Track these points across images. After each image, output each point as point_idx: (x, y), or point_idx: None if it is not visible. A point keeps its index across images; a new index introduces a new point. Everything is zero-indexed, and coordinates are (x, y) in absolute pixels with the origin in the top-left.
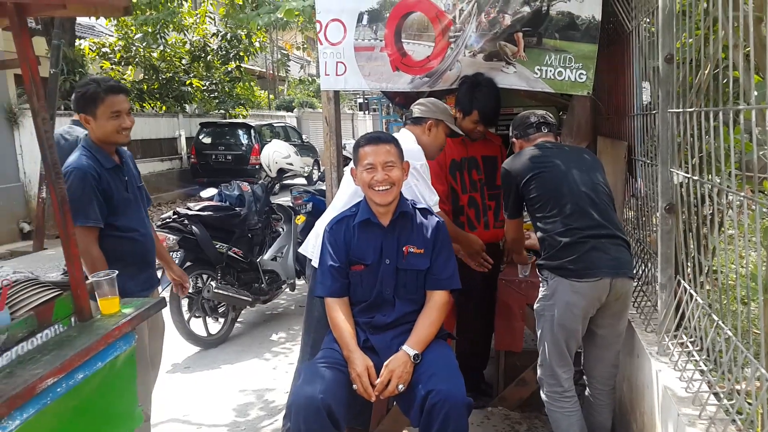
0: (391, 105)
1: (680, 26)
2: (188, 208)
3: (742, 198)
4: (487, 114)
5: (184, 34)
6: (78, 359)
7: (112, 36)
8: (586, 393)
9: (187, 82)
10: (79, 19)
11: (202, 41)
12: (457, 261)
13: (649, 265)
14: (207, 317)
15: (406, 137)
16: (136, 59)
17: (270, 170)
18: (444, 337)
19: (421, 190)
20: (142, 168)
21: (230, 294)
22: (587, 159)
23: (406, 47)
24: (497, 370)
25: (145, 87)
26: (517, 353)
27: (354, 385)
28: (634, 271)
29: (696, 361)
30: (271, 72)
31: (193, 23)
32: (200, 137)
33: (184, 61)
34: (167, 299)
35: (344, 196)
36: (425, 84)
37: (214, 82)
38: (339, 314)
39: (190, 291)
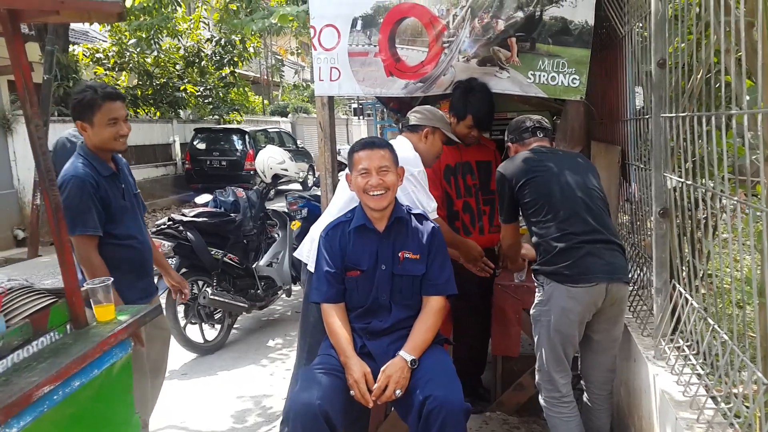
0: (385, 110)
1: (672, 31)
2: (183, 215)
3: (735, 202)
4: (481, 119)
5: (178, 40)
6: (74, 367)
7: (105, 42)
8: (584, 398)
9: (182, 88)
10: (73, 25)
11: (196, 47)
12: (453, 266)
13: (645, 269)
14: (203, 324)
15: (403, 144)
16: (130, 65)
17: (265, 176)
18: (441, 343)
19: (419, 196)
20: (137, 174)
21: (226, 300)
22: (582, 164)
23: (400, 52)
24: (495, 374)
25: (139, 93)
26: (514, 358)
27: (351, 392)
28: (630, 276)
29: (693, 364)
30: (266, 77)
31: (187, 29)
32: (195, 143)
33: (178, 67)
34: (163, 306)
35: (340, 201)
36: (419, 89)
37: (209, 87)
38: (335, 320)
39: None
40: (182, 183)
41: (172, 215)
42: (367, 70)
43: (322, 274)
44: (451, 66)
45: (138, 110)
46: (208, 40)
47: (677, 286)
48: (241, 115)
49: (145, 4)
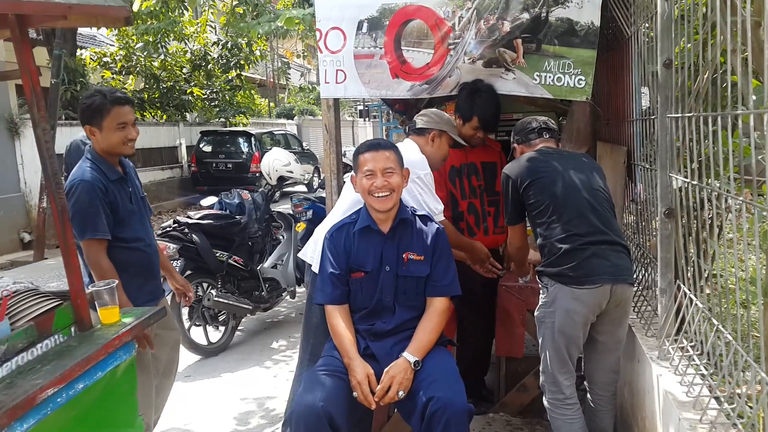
0: (391, 112)
1: (679, 31)
2: (188, 217)
3: (741, 202)
4: (487, 120)
5: (185, 43)
6: (78, 369)
7: (113, 45)
8: (587, 398)
9: (188, 91)
10: (80, 29)
11: (203, 50)
12: (457, 267)
13: (649, 269)
14: (207, 326)
15: (409, 147)
16: (137, 68)
17: (270, 178)
18: (444, 344)
19: (426, 198)
20: (143, 177)
21: (231, 302)
22: (587, 164)
23: (406, 54)
24: (498, 376)
25: (146, 96)
26: (518, 359)
27: (354, 393)
28: (634, 276)
29: (697, 365)
30: (272, 80)
31: (193, 32)
32: (201, 146)
33: (184, 70)
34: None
35: (345, 204)
36: (425, 91)
37: (215, 90)
38: (339, 321)
39: None
40: (188, 185)
41: (178, 218)
42: (373, 72)
43: (327, 275)
44: (456, 68)
45: (145, 113)
46: (214, 43)
47: (682, 286)
48: (247, 118)
49: (152, 8)
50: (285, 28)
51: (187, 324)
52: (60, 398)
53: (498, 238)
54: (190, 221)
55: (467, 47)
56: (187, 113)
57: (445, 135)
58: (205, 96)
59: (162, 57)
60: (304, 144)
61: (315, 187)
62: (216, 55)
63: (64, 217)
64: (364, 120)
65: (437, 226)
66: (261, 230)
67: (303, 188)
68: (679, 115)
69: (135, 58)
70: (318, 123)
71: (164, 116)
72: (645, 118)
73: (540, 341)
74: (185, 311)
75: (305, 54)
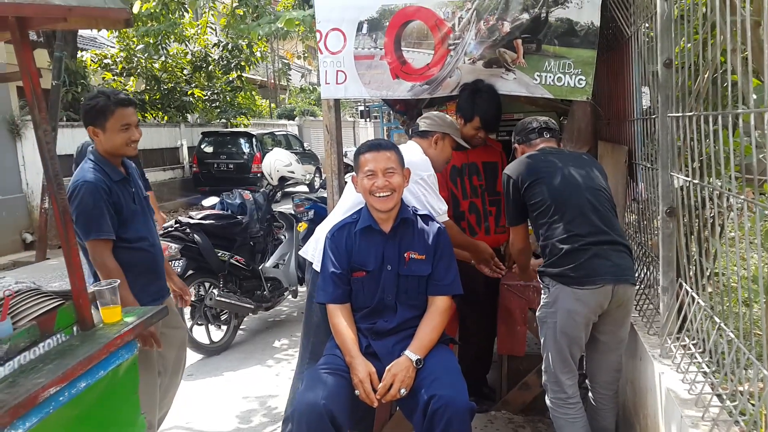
0: (391, 112)
1: (679, 31)
2: (190, 217)
3: (742, 201)
4: (488, 120)
5: (186, 45)
6: (80, 368)
7: (113, 47)
8: (589, 397)
9: (189, 92)
10: (81, 31)
11: (204, 51)
12: (459, 267)
13: (651, 268)
14: (209, 325)
15: (412, 149)
16: (138, 70)
17: (271, 178)
18: (446, 342)
19: (429, 200)
20: None
21: (232, 302)
22: (588, 164)
23: (406, 55)
24: (500, 374)
25: (147, 97)
26: (519, 357)
27: (356, 391)
28: (636, 275)
29: (699, 363)
30: (273, 81)
31: (194, 34)
32: (202, 146)
33: (185, 72)
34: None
35: (346, 204)
36: (425, 91)
37: (216, 91)
38: (341, 320)
39: (193, 299)
40: (190, 186)
41: (180, 218)
42: (373, 72)
43: (328, 275)
44: (457, 68)
45: (146, 115)
46: (215, 44)
47: (684, 284)
48: (248, 119)
49: (152, 10)
50: (285, 29)
51: (189, 323)
52: (62, 397)
53: (499, 237)
54: (191, 221)
55: (467, 48)
56: (188, 114)
57: (448, 138)
58: (206, 97)
59: (163, 58)
60: (305, 144)
61: (316, 187)
62: (216, 57)
63: (66, 217)
64: (365, 120)
65: (438, 225)
66: (262, 230)
67: (304, 188)
68: (680, 114)
69: (136, 59)
70: (319, 123)
71: (165, 117)
72: (646, 117)
73: (542, 341)
74: (187, 311)
75: (306, 55)
